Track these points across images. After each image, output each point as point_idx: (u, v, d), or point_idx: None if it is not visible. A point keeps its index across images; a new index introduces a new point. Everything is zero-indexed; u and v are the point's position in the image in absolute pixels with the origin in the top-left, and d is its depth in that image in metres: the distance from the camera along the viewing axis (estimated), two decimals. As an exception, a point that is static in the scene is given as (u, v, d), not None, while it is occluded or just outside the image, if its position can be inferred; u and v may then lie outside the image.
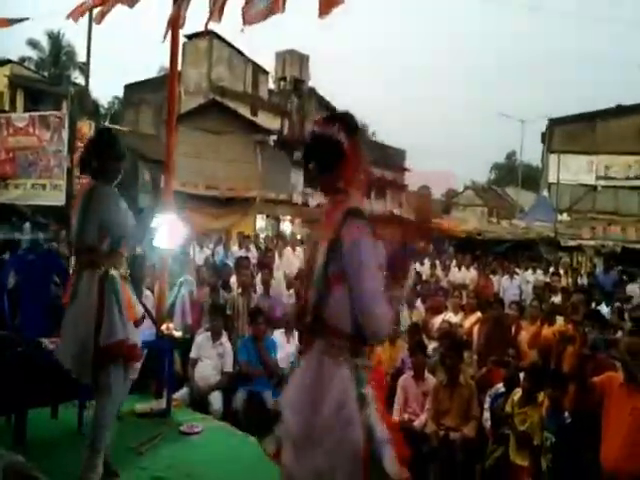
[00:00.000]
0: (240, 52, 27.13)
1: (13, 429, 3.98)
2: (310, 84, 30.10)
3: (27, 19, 6.29)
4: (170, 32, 5.22)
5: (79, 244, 3.51)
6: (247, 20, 4.34)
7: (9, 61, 29.50)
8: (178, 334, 4.75)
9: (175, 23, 5.13)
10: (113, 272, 3.47)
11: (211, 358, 6.25)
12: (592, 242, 17.03)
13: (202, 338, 6.38)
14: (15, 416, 4.02)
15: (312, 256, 2.31)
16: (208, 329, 6.47)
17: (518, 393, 5.10)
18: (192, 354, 6.29)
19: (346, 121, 2.36)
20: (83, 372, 3.41)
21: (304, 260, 2.25)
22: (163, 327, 4.64)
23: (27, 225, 14.45)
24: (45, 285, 4.63)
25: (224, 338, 6.39)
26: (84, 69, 22.33)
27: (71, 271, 4.04)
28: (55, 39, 35.99)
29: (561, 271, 11.91)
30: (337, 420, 2.14)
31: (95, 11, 5.70)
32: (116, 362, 3.41)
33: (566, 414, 4.74)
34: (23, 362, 4.04)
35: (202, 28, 4.90)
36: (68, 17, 5.80)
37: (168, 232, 4.25)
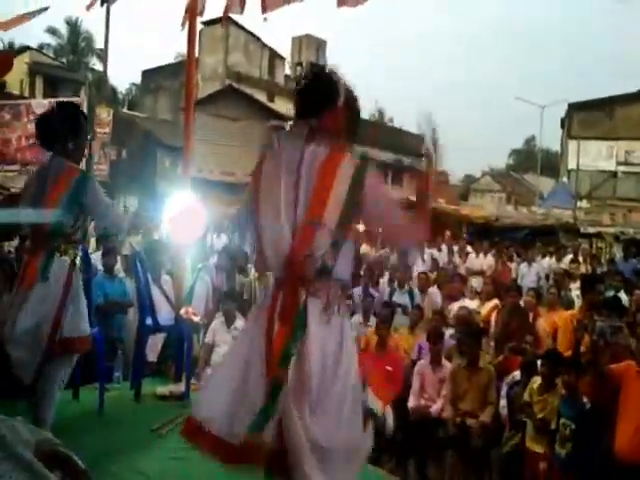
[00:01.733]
0: (257, 38, 27.08)
1: (34, 411, 4.04)
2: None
3: (47, 9, 6.30)
4: (188, 19, 5.23)
5: (53, 227, 3.31)
6: (266, 7, 4.34)
7: (28, 48, 29.68)
8: (197, 318, 4.79)
9: (193, 11, 5.14)
10: (78, 261, 3.42)
11: (226, 343, 6.28)
12: (612, 229, 16.85)
13: (216, 323, 6.43)
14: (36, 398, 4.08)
15: (309, 200, 2.18)
16: (222, 314, 6.53)
17: (537, 381, 5.09)
18: (207, 339, 6.34)
19: (351, 93, 2.39)
20: (30, 361, 3.28)
21: (281, 194, 2.17)
22: (182, 311, 4.68)
23: None
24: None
25: (239, 322, 6.40)
26: (102, 56, 22.43)
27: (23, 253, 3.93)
28: (74, 26, 36.13)
29: (580, 258, 11.80)
30: (351, 370, 2.22)
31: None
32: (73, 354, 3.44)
33: (585, 400, 4.74)
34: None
35: (218, 14, 4.93)
36: (88, 9, 5.83)
37: (186, 224, 4.28)
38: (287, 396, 2.08)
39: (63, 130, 3.36)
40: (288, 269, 2.17)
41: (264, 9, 4.45)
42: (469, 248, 12.49)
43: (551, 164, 38.15)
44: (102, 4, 5.94)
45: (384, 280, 8.78)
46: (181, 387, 4.72)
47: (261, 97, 23.96)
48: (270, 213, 2.21)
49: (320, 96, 2.30)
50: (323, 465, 2.09)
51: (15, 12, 5.90)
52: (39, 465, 1.15)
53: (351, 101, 2.38)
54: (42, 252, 3.32)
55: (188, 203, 4.52)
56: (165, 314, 4.81)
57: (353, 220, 2.26)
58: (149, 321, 4.64)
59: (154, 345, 5.34)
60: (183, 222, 4.31)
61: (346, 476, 2.20)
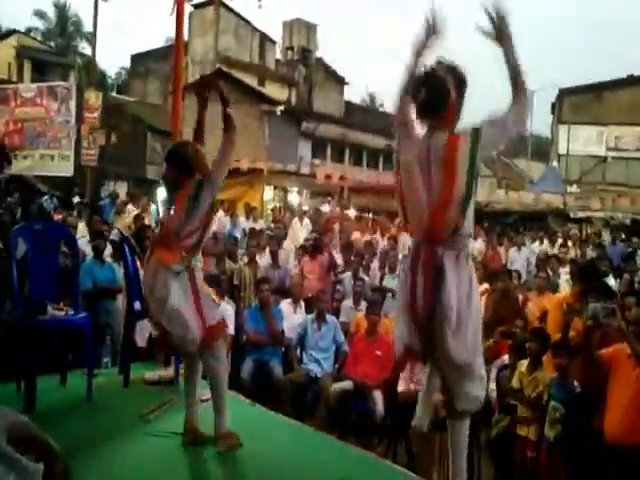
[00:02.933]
0: (247, 21, 26.82)
1: (23, 396, 4.03)
2: (318, 54, 29.79)
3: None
4: (176, 3, 5.14)
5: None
6: None
7: (15, 31, 29.28)
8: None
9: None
10: None
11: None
12: (601, 214, 16.88)
13: None
14: (24, 383, 4.06)
15: (440, 183, 2.71)
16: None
17: (524, 364, 5.11)
18: None
19: (454, 69, 2.82)
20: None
21: (416, 177, 2.79)
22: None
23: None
24: (53, 254, 4.64)
25: (223, 305, 6.37)
26: (91, 40, 22.16)
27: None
28: (62, 9, 35.63)
29: (569, 243, 11.81)
30: (478, 307, 2.88)
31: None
32: None
33: (575, 383, 4.76)
34: (31, 330, 4.08)
35: None
36: None
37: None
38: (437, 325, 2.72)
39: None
40: (427, 235, 2.76)
41: None
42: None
43: (541, 149, 38.15)
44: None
45: (375, 265, 8.78)
46: (170, 372, 4.71)
47: (252, 81, 23.75)
48: (411, 193, 2.79)
49: (434, 105, 2.78)
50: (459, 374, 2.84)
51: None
52: (10, 450, 1.13)
53: (460, 84, 2.83)
54: None
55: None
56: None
57: (476, 182, 2.76)
58: (137, 306, 4.61)
59: (143, 331, 5.30)
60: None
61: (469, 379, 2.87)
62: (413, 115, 2.86)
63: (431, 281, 2.72)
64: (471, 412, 3.00)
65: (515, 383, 5.11)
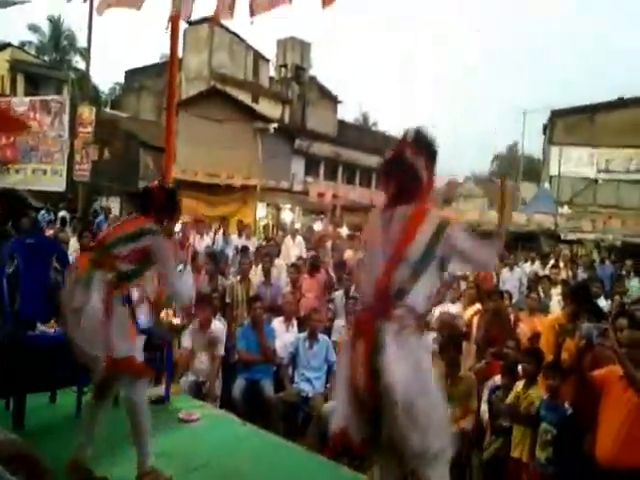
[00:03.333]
0: (241, 39, 26.98)
1: (12, 413, 3.98)
2: (312, 72, 29.97)
3: (29, 1, 6.22)
4: (171, 21, 5.16)
5: None
6: (254, 11, 4.29)
7: (9, 45, 29.32)
8: (177, 321, 4.74)
9: (176, 16, 5.08)
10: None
11: (203, 347, 6.23)
12: (592, 235, 16.97)
13: (192, 328, 6.31)
14: (14, 400, 4.01)
15: (395, 243, 2.66)
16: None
17: (520, 384, 5.11)
18: (184, 344, 6.22)
19: (424, 144, 2.77)
20: None
21: (376, 246, 2.75)
22: (162, 314, 4.63)
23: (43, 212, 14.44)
24: (45, 270, 4.61)
25: (214, 325, 6.34)
26: (85, 54, 22.23)
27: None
28: (56, 24, 35.77)
29: (561, 264, 11.86)
30: (430, 384, 2.60)
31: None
32: None
33: (566, 405, 4.74)
34: (21, 347, 4.03)
35: (202, 14, 4.88)
36: (69, 0, 5.76)
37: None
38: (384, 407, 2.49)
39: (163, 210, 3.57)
40: (375, 294, 2.61)
41: (252, 13, 4.41)
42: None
43: (533, 170, 38.40)
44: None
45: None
46: (160, 390, 4.66)
47: (245, 99, 23.84)
48: (369, 257, 2.78)
49: (405, 194, 2.73)
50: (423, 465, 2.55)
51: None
52: (0, 469, 1.12)
53: (431, 159, 2.78)
54: None
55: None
56: (145, 317, 4.75)
57: (433, 261, 2.65)
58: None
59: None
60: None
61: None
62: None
63: (368, 356, 2.52)
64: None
65: (511, 399, 5.09)
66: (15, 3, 6.26)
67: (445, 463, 2.63)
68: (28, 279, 4.36)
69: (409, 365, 2.49)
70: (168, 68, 5.57)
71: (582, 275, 10.89)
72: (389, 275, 2.61)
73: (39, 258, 4.54)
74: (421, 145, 2.75)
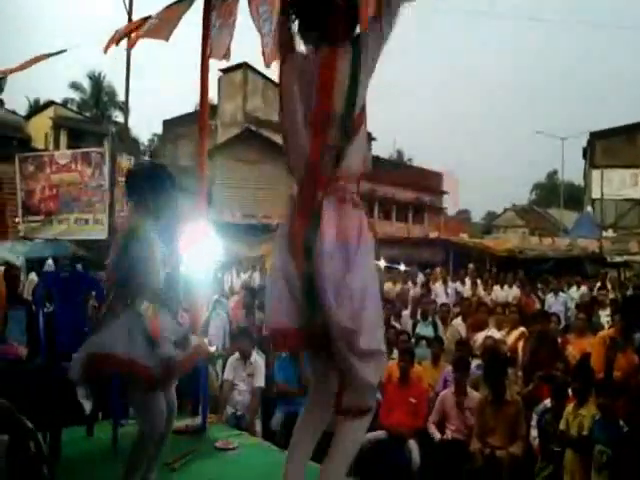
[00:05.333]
0: (274, 83, 27.49)
1: (48, 446, 3.94)
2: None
3: (65, 51, 6.41)
4: (200, 64, 5.21)
5: None
6: (267, 59, 4.33)
7: (53, 103, 30.55)
8: (212, 349, 4.69)
9: (205, 57, 5.13)
10: None
11: (244, 380, 6.21)
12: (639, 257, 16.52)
13: (233, 360, 6.36)
14: (50, 434, 3.99)
15: (317, 97, 2.29)
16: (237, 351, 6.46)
17: (571, 404, 4.89)
18: (225, 376, 6.27)
19: None
20: None
21: (298, 99, 2.33)
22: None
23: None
24: (80, 302, 4.64)
25: (254, 357, 6.35)
26: (124, 108, 22.94)
27: None
28: (96, 80, 37.18)
29: (608, 286, 11.57)
30: (369, 259, 2.30)
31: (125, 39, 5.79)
32: None
33: (621, 423, 4.50)
34: (56, 379, 4.02)
35: (236, 61, 4.93)
36: (105, 51, 5.89)
37: (199, 249, 4.23)
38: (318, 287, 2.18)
39: (143, 188, 3.39)
40: (308, 167, 2.28)
41: (265, 62, 4.47)
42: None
43: (574, 198, 37.79)
44: (118, 43, 6.01)
45: (406, 313, 8.64)
46: (198, 421, 4.59)
47: (280, 140, 24.15)
48: (291, 126, 2.36)
49: (315, 14, 2.32)
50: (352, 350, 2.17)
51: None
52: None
53: None
54: None
55: (200, 230, 4.47)
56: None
57: (360, 108, 2.29)
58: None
59: (171, 381, 5.22)
60: (195, 247, 4.25)
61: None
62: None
63: (302, 235, 2.24)
64: (367, 407, 2.31)
65: (562, 425, 4.86)
66: (52, 54, 6.43)
67: (376, 371, 2.26)
68: (63, 312, 4.38)
69: (348, 239, 2.23)
70: (199, 114, 5.63)
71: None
72: (318, 141, 2.27)
73: (75, 291, 4.57)
74: None
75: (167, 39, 5.05)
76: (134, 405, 3.33)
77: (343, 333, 2.15)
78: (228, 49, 4.95)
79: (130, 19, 16.23)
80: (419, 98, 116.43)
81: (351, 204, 2.29)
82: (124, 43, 5.51)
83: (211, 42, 4.90)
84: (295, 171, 2.37)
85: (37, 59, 5.69)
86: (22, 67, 5.70)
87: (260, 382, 6.19)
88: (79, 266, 10.67)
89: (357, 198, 2.33)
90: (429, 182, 31.56)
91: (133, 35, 5.53)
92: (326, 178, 2.27)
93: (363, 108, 2.33)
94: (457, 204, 39.86)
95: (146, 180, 3.41)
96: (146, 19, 5.19)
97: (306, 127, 2.30)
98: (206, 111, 5.73)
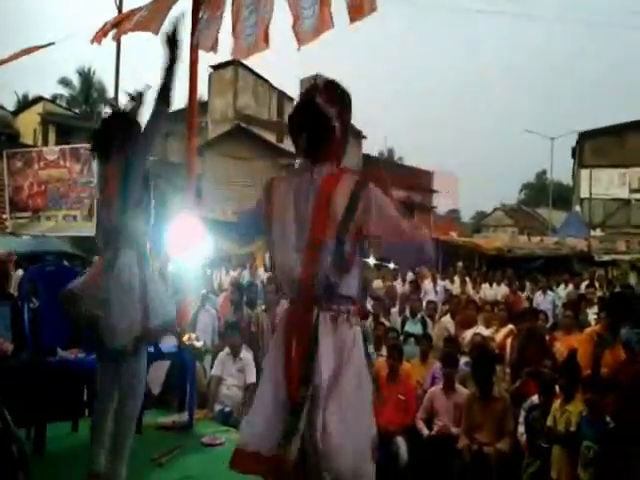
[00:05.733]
0: (265, 80, 27.45)
1: (32, 441, 3.91)
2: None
3: (53, 43, 6.36)
4: (189, 59, 5.17)
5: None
6: (300, 40, 4.22)
7: (41, 98, 30.31)
8: (199, 344, 4.67)
9: (195, 54, 5.08)
10: None
11: (233, 375, 6.19)
12: (627, 256, 16.64)
13: (222, 355, 6.34)
14: (34, 429, 3.95)
15: (309, 222, 2.26)
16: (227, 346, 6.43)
17: (558, 400, 4.90)
18: (214, 371, 6.25)
19: (334, 92, 2.36)
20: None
21: (293, 229, 2.29)
22: (185, 338, 4.57)
23: None
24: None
25: (243, 353, 6.33)
26: (113, 105, 22.80)
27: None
28: (85, 77, 36.92)
29: (596, 284, 11.66)
30: (360, 380, 2.24)
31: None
32: None
33: (608, 419, 4.52)
34: (41, 374, 3.99)
35: (226, 58, 4.86)
36: (92, 42, 5.85)
37: (183, 236, 4.18)
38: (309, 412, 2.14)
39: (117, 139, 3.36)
40: (299, 291, 2.26)
41: (299, 43, 4.37)
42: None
43: (563, 197, 37.99)
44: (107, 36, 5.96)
45: (394, 310, 8.65)
46: (184, 417, 4.57)
47: (270, 138, 24.14)
48: (281, 241, 2.31)
49: (316, 139, 2.33)
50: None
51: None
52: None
53: (344, 109, 2.38)
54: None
55: (185, 218, 4.42)
56: (167, 341, 4.69)
57: (354, 235, 2.25)
58: (151, 349, 4.49)
59: (158, 377, 5.20)
60: (180, 235, 4.21)
61: None
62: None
63: (304, 353, 2.20)
64: None
65: (549, 422, 4.88)
66: (40, 47, 6.38)
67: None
68: (48, 306, 4.33)
69: (341, 358, 2.20)
70: (187, 111, 5.60)
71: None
72: (313, 263, 2.21)
73: (60, 285, 4.51)
74: (333, 92, 2.34)
75: (156, 32, 4.99)
76: (139, 369, 3.32)
77: (342, 469, 2.12)
78: (216, 41, 4.89)
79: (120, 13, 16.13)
80: (409, 96, 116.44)
81: (345, 322, 2.26)
82: (114, 35, 5.48)
83: (198, 34, 4.86)
84: (287, 291, 2.38)
85: (27, 51, 5.66)
86: (12, 58, 5.66)
87: (252, 378, 6.17)
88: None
89: (353, 316, 2.29)
90: (419, 181, 31.62)
91: (121, 27, 5.49)
92: (321, 297, 2.24)
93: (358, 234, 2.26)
94: (456, 203, 40.01)
95: None
96: (135, 11, 5.15)
97: (298, 251, 2.26)
98: (195, 107, 5.70)
